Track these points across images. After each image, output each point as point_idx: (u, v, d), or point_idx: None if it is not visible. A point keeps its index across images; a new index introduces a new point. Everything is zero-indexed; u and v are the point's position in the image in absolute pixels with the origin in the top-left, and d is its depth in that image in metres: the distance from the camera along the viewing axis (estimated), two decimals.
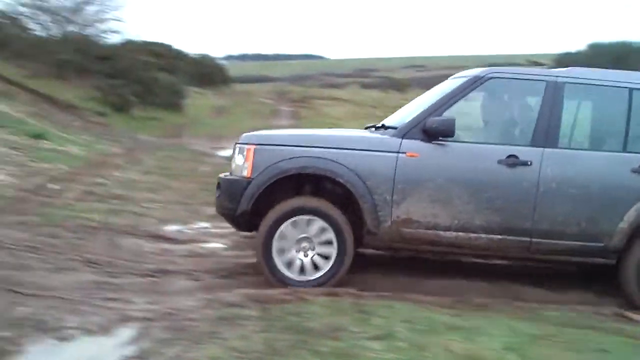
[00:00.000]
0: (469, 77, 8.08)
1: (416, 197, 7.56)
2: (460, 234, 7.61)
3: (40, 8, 33.22)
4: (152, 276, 7.72)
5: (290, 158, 7.51)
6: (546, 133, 7.74)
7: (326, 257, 7.46)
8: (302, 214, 7.47)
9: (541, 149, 7.66)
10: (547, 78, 7.98)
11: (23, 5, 33.13)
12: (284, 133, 8.82)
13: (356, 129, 9.23)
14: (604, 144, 8.20)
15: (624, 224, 7.51)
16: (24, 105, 21.31)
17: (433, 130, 7.51)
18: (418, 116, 7.74)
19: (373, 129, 8.37)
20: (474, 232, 7.60)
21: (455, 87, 8.03)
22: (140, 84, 30.59)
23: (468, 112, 8.20)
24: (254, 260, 7.87)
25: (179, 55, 42.47)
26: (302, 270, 7.45)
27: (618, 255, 7.61)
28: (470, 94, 8.01)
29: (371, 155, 7.62)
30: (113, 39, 35.07)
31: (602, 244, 7.59)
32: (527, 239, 7.64)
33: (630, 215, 7.51)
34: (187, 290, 7.32)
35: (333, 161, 7.50)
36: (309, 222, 7.46)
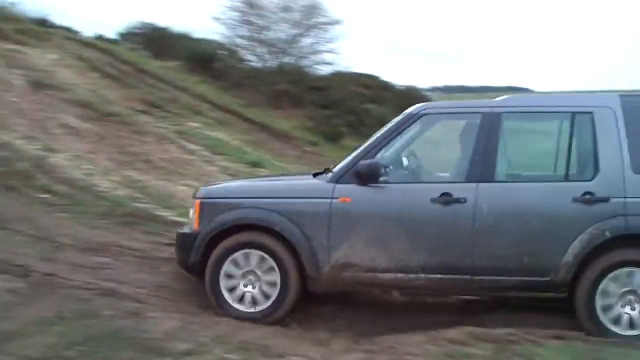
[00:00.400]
0: (403, 115, 7.92)
1: (352, 241, 7.45)
2: (400, 275, 7.39)
3: (257, 40, 34.77)
4: None
5: (229, 210, 7.70)
6: (481, 167, 7.48)
7: (269, 291, 7.52)
8: (247, 248, 7.59)
9: (475, 184, 7.38)
10: (482, 110, 7.69)
11: (241, 37, 34.82)
12: (230, 185, 9.11)
13: (302, 176, 9.45)
14: (544, 173, 8.09)
15: (569, 257, 7.12)
16: (241, 134, 21.87)
17: (361, 173, 7.43)
18: (351, 160, 7.68)
19: (322, 173, 8.14)
20: (413, 272, 7.37)
21: (390, 126, 7.92)
22: (351, 114, 31.00)
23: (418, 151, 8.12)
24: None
25: (387, 87, 42.58)
26: (253, 301, 7.52)
27: (567, 288, 7.19)
28: (406, 132, 7.84)
29: (306, 202, 7.65)
30: (325, 70, 35.97)
31: (548, 279, 7.21)
32: (468, 276, 7.36)
33: (574, 247, 7.10)
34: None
35: (270, 210, 7.59)
36: (250, 256, 7.56)
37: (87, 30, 29.29)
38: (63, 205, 10.65)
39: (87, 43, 22.62)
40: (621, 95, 7.56)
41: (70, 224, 9.77)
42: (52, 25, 25.50)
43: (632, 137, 7.20)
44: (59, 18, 34.20)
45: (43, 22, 24.37)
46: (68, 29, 27.14)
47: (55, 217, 9.98)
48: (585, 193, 7.13)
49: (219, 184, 9.25)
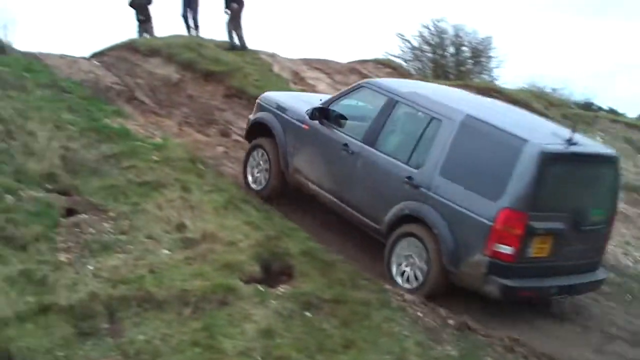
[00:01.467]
0: (353, 85, 11.54)
1: (302, 153, 11.09)
2: (321, 190, 10.72)
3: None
4: None
5: (260, 111, 11.90)
6: (371, 134, 10.13)
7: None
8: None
9: (363, 145, 10.12)
10: (389, 94, 10.31)
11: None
12: (270, 94, 12.44)
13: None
14: (400, 153, 9.78)
15: (388, 217, 9.59)
16: None
17: (313, 113, 10.79)
18: (318, 105, 10.90)
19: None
20: (324, 189, 10.65)
21: (343, 90, 11.84)
22: None
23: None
24: None
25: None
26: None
27: (387, 233, 9.65)
28: (354, 95, 10.95)
29: (292, 121, 11.27)
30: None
31: (379, 227, 9.78)
32: (349, 208, 10.26)
33: (391, 212, 9.55)
34: None
35: (275, 118, 11.47)
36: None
37: (632, 111, 30.96)
38: (611, 294, 10.72)
39: (632, 124, 22.29)
40: (467, 115, 9.29)
41: (619, 314, 10.04)
42: (598, 109, 27.67)
43: (452, 149, 9.15)
44: (603, 101, 36.10)
45: (588, 106, 26.70)
46: (613, 111, 28.48)
47: (605, 306, 10.27)
48: (409, 177, 9.43)
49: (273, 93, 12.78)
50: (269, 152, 11.37)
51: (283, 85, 18.81)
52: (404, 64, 33.76)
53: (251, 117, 12.09)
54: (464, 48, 35.80)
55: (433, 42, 36.10)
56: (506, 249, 8.57)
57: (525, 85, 30.42)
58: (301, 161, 10.97)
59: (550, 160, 8.60)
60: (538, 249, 8.79)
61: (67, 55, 19.90)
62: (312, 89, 19.41)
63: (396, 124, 10.16)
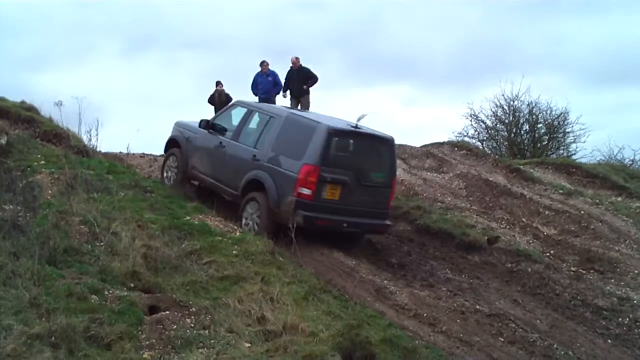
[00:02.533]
0: (230, 104, 17.55)
1: (194, 155, 16.08)
2: (207, 178, 15.67)
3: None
4: None
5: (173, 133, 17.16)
6: (236, 133, 15.29)
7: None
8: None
9: (230, 140, 15.22)
10: (248, 107, 15.92)
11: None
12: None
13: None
14: (251, 141, 14.80)
15: (243, 181, 14.34)
16: None
17: (201, 124, 15.90)
18: (206, 119, 16.08)
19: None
20: (207, 175, 15.64)
21: (224, 108, 17.43)
22: None
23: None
24: None
25: None
26: None
27: (240, 199, 14.43)
28: (229, 111, 16.40)
29: (189, 134, 16.47)
30: None
31: (238, 193, 14.49)
32: (222, 185, 15.11)
33: (245, 177, 14.31)
34: None
35: (180, 135, 16.75)
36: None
37: None
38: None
39: None
40: (290, 112, 15.15)
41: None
42: None
43: (280, 133, 14.23)
44: None
45: None
46: None
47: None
48: (254, 155, 14.35)
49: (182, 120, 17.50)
50: (177, 157, 16.58)
51: None
52: (479, 144, 33.67)
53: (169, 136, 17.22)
54: (539, 125, 35.41)
55: (507, 121, 35.84)
56: (306, 191, 13.33)
57: (603, 159, 30.13)
58: (195, 160, 16.05)
59: (333, 134, 13.59)
60: (330, 193, 13.55)
61: (147, 154, 20.46)
62: None
63: (250, 124, 15.39)
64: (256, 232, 13.31)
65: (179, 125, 17.01)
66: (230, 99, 23.04)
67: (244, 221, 14.01)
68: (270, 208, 13.50)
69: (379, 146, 14.44)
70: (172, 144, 16.96)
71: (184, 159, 16.17)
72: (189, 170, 16.07)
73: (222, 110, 17.14)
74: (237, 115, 15.69)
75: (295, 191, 13.24)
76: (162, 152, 17.93)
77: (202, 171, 15.69)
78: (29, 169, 14.42)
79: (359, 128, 14.12)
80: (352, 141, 14.10)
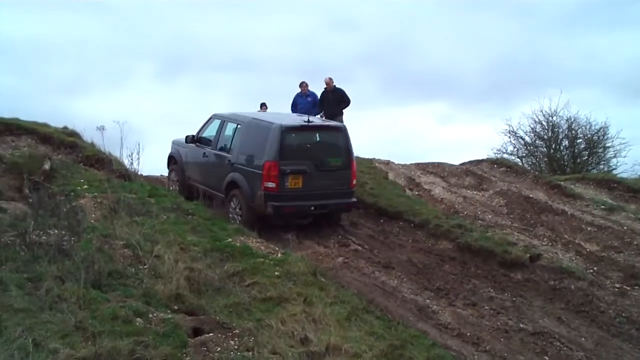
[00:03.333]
0: (210, 116, 18.50)
1: (189, 166, 18.56)
2: (199, 185, 17.67)
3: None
4: None
5: (171, 150, 19.73)
6: (215, 142, 17.40)
7: None
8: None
9: (211, 150, 17.39)
10: (222, 118, 17.83)
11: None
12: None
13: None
14: (224, 149, 16.95)
15: (224, 184, 16.44)
16: None
17: (188, 138, 18.28)
18: (191, 134, 18.38)
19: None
20: (201, 184, 17.63)
21: (204, 122, 18.46)
22: None
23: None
24: None
25: None
26: None
27: (225, 197, 16.52)
28: (209, 124, 18.26)
29: (183, 149, 18.88)
30: None
31: (222, 194, 16.69)
32: (207, 188, 17.28)
33: (224, 182, 16.42)
34: None
35: (177, 151, 19.33)
36: None
37: None
38: None
39: None
40: (252, 118, 16.88)
41: None
42: None
43: (244, 137, 16.35)
44: None
45: None
46: None
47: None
48: (229, 160, 16.45)
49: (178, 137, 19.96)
50: (177, 171, 19.24)
51: (399, 193, 18.89)
52: (518, 161, 33.47)
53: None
54: (578, 140, 35.13)
55: (546, 137, 35.61)
56: (271, 185, 15.27)
57: None
58: (189, 171, 18.60)
59: (287, 131, 15.56)
60: (293, 183, 15.50)
61: None
62: (428, 194, 19.50)
63: (224, 133, 17.28)
64: (240, 223, 15.48)
65: (174, 143, 19.71)
66: None
67: (230, 216, 16.22)
68: (247, 203, 15.68)
69: (331, 134, 16.68)
70: (171, 160, 19.77)
71: (181, 171, 18.96)
72: (187, 181, 18.65)
73: (203, 124, 18.51)
74: (214, 127, 17.85)
75: (262, 185, 15.30)
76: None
77: (196, 180, 18.11)
78: (72, 193, 14.62)
79: (310, 122, 16.23)
80: (305, 134, 16.21)
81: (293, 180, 15.43)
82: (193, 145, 18.14)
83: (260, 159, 15.43)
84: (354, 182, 16.50)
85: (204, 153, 17.54)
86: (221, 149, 17.02)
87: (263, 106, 24.43)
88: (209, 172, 17.41)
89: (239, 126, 16.70)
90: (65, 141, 18.35)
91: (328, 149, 16.32)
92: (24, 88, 59.10)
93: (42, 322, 8.49)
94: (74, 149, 18.26)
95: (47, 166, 15.88)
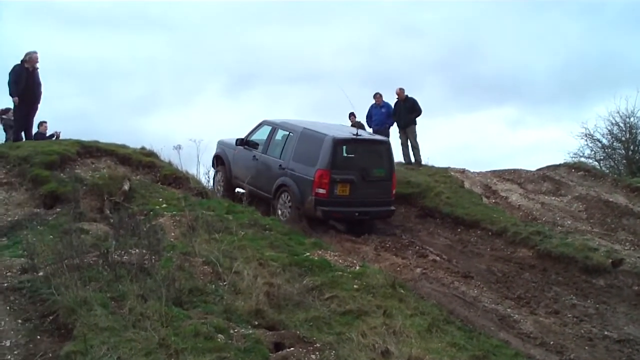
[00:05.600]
0: (260, 122, 19.43)
1: (236, 167, 19.38)
2: (247, 185, 18.16)
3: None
4: None
5: (217, 150, 20.65)
6: (265, 147, 18.41)
7: None
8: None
9: (262, 154, 18.45)
10: (273, 125, 18.86)
11: None
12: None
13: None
14: (277, 154, 18.02)
15: (274, 188, 17.53)
16: None
17: (238, 141, 19.27)
18: (240, 137, 19.34)
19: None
20: (248, 183, 18.11)
21: (253, 127, 19.42)
22: None
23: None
24: None
25: None
26: None
27: (273, 199, 17.56)
28: (258, 129, 19.27)
29: (230, 150, 19.80)
30: None
31: (271, 196, 17.64)
32: (256, 189, 18.08)
33: (275, 185, 17.52)
34: None
35: (223, 152, 20.20)
36: None
37: None
38: None
39: None
40: (304, 128, 17.69)
41: None
42: None
43: (297, 146, 17.41)
44: None
45: None
46: None
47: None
48: (280, 165, 17.61)
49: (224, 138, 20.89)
50: (223, 171, 19.99)
51: (475, 201, 18.74)
52: (596, 164, 32.87)
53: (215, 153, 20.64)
54: None
55: (624, 139, 34.89)
56: (322, 191, 16.47)
57: None
58: (236, 171, 19.41)
59: (339, 143, 16.85)
60: (341, 190, 16.70)
61: None
62: (505, 201, 19.29)
63: (275, 138, 18.45)
64: (287, 220, 16.70)
65: (220, 143, 20.65)
66: (364, 129, 23.61)
67: (279, 212, 17.30)
68: (296, 206, 16.87)
69: (377, 148, 17.97)
70: (217, 159, 20.59)
71: (228, 171, 19.77)
72: (233, 180, 19.66)
73: (252, 129, 19.40)
74: (264, 132, 18.95)
75: (313, 191, 16.52)
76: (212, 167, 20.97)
77: (243, 179, 18.72)
78: (151, 212, 14.84)
79: (360, 135, 17.66)
80: (354, 146, 17.40)
81: (341, 188, 16.71)
82: (241, 147, 19.22)
83: (313, 167, 16.69)
84: (394, 192, 17.70)
85: (254, 156, 18.62)
86: (272, 154, 18.23)
87: (352, 116, 24.69)
88: (258, 174, 18.27)
89: (290, 134, 17.93)
90: (143, 161, 18.61)
91: (373, 161, 17.43)
92: (94, 109, 60.47)
93: (126, 340, 8.62)
94: (152, 168, 18.51)
95: (126, 187, 16.13)
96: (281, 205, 17.36)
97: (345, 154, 17.08)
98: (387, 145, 18.17)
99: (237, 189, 19.66)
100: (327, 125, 18.49)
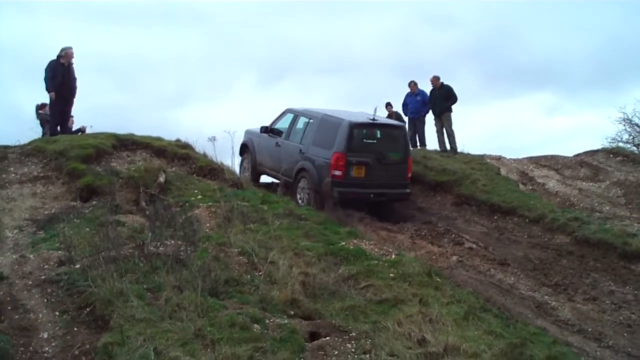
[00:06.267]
0: (284, 110, 20.28)
1: (260, 154, 20.17)
2: (272, 171, 19.60)
3: None
4: None
5: (244, 139, 21.36)
6: (287, 134, 19.16)
7: None
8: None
9: (285, 140, 19.05)
10: (295, 113, 19.60)
11: None
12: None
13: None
14: (298, 139, 18.64)
15: (294, 172, 18.17)
16: None
17: (262, 129, 20.02)
18: (265, 125, 20.11)
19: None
20: (274, 170, 19.39)
21: (277, 115, 20.35)
22: None
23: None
24: None
25: None
26: None
27: (293, 182, 18.22)
28: (282, 117, 20.11)
29: (256, 137, 20.55)
30: None
31: (291, 180, 18.24)
32: (279, 174, 19.01)
33: (295, 168, 18.16)
34: None
35: (250, 140, 20.93)
36: None
37: None
38: None
39: None
40: (323, 114, 18.51)
41: None
42: None
43: (317, 131, 18.06)
44: None
45: None
46: None
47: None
48: (300, 149, 18.22)
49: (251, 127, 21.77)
50: (248, 159, 20.89)
51: (512, 188, 18.60)
52: (634, 149, 32.45)
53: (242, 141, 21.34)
54: None
55: None
56: (338, 173, 17.06)
57: None
58: (260, 158, 20.28)
59: (355, 127, 17.40)
60: (357, 172, 17.26)
61: None
62: (542, 187, 19.13)
63: (296, 125, 19.12)
64: (307, 203, 17.44)
65: (248, 132, 21.48)
66: (401, 118, 23.93)
67: (298, 197, 18.02)
68: (314, 188, 17.51)
69: (392, 132, 18.53)
70: (244, 148, 21.26)
71: (253, 158, 20.55)
72: (257, 167, 20.46)
73: (277, 117, 20.28)
74: (287, 120, 19.80)
75: (330, 173, 17.12)
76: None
77: (266, 166, 19.97)
78: (187, 204, 14.97)
79: (375, 120, 18.14)
80: (370, 130, 17.91)
81: (357, 170, 17.28)
82: (266, 135, 19.95)
83: (330, 150, 17.31)
84: (409, 175, 18.26)
85: (277, 142, 19.37)
86: (293, 140, 18.85)
87: (388, 105, 24.72)
88: (280, 160, 19.04)
89: (311, 120, 18.59)
90: (178, 153, 18.69)
91: (389, 145, 17.93)
92: (128, 103, 60.80)
93: (162, 331, 8.70)
94: (187, 160, 18.59)
95: (162, 179, 16.22)
96: (300, 189, 18.09)
97: (361, 138, 17.62)
98: (402, 130, 19.08)
99: (262, 177, 20.73)
100: (347, 112, 19.06)
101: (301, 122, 19.05)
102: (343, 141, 17.23)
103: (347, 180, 17.18)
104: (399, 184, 18.00)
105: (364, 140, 17.67)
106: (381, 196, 17.74)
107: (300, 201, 17.73)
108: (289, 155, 18.65)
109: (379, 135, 18.05)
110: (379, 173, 17.49)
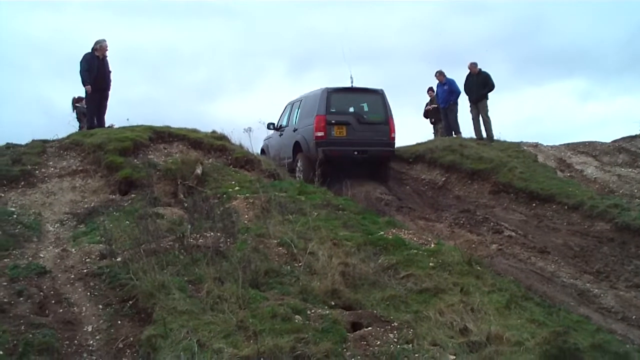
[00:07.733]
0: (285, 105, 23.46)
1: (273, 147, 22.74)
2: (283, 160, 20.66)
3: None
4: None
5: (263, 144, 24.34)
6: (287, 123, 21.99)
7: None
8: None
9: (286, 127, 21.93)
10: (291, 103, 22.56)
11: None
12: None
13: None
14: (292, 123, 21.21)
15: (292, 152, 20.42)
16: None
17: (269, 126, 22.86)
18: (271, 122, 23.06)
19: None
20: (278, 157, 21.10)
21: (282, 111, 23.38)
22: None
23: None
24: None
25: None
26: None
27: (293, 161, 20.36)
28: (284, 112, 23.03)
29: (268, 139, 23.87)
30: None
31: (291, 160, 20.43)
32: (283, 159, 20.61)
33: (292, 148, 20.41)
34: None
35: (266, 144, 24.01)
36: None
37: None
38: None
39: None
40: (309, 93, 21.15)
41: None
42: None
43: (302, 109, 20.96)
44: None
45: None
46: None
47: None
48: (294, 129, 20.84)
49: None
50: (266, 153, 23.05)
51: (550, 175, 18.43)
52: None
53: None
54: None
55: None
56: (320, 134, 19.14)
57: None
58: (273, 153, 22.15)
59: (332, 92, 19.66)
60: (338, 132, 19.33)
61: None
62: (580, 174, 18.97)
63: (293, 112, 21.48)
64: (303, 178, 18.70)
65: (264, 139, 24.24)
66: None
67: (297, 172, 19.88)
68: (305, 155, 19.57)
69: (371, 96, 20.42)
70: (262, 152, 23.40)
71: (268, 156, 21.99)
72: (275, 158, 21.53)
73: (280, 114, 23.05)
74: (287, 111, 22.44)
75: (314, 135, 19.28)
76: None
77: (277, 156, 21.55)
78: (224, 196, 14.97)
79: (352, 86, 20.41)
80: (348, 95, 20.24)
81: (338, 129, 19.40)
82: (274, 131, 22.92)
83: (312, 116, 19.57)
84: (393, 135, 20.05)
85: (280, 134, 22.15)
86: (291, 125, 21.40)
87: (430, 90, 25.08)
88: (282, 145, 21.57)
89: (301, 102, 21.21)
90: (214, 145, 18.72)
91: (368, 107, 20.22)
92: (161, 95, 61.12)
93: (205, 323, 8.73)
94: (224, 152, 18.61)
95: (199, 170, 16.26)
96: (299, 166, 19.99)
97: (340, 102, 19.80)
98: (380, 94, 20.37)
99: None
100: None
101: (295, 107, 21.69)
102: (323, 105, 19.40)
103: (330, 139, 19.23)
104: (381, 143, 19.76)
105: (343, 104, 19.89)
106: (364, 153, 19.46)
107: (298, 176, 19.45)
108: (288, 138, 21.15)
109: (356, 99, 20.39)
110: (360, 133, 19.50)
